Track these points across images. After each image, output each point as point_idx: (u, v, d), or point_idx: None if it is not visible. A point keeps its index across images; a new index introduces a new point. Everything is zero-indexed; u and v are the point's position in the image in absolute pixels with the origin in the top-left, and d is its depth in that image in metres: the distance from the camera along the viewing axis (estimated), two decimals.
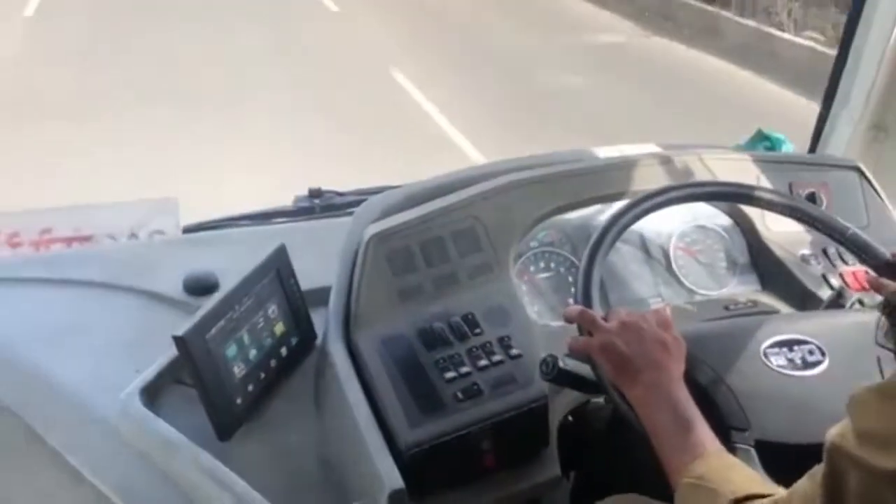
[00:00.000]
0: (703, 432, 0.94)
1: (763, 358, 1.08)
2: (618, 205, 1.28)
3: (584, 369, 1.10)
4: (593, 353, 1.05)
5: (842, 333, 1.14)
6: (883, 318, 1.14)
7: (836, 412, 1.01)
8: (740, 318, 1.34)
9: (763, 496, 0.85)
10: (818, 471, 0.75)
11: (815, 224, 1.28)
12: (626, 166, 1.43)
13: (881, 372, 1.07)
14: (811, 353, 1.09)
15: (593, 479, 1.48)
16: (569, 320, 1.10)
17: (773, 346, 1.09)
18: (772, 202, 1.29)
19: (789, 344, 1.09)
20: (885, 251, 1.21)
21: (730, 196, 1.34)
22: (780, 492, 0.84)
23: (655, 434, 0.96)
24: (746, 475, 0.90)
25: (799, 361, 1.08)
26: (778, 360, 1.08)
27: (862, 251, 1.24)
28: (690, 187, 1.33)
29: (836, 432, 0.74)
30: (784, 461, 0.99)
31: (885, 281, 1.17)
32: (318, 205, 1.78)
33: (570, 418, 1.47)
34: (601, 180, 1.41)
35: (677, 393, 0.98)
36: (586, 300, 1.14)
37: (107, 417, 1.18)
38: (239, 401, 1.18)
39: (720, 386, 1.04)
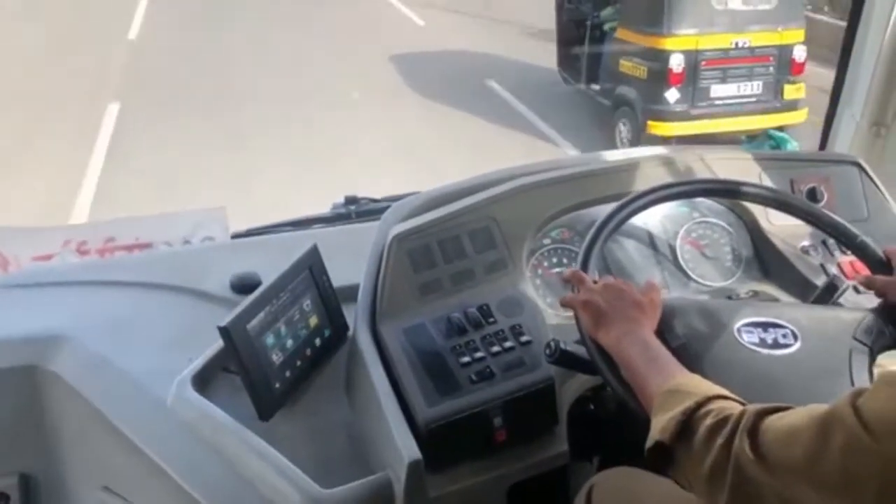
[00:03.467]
0: (674, 364, 1.03)
1: (735, 334, 1.14)
2: None
3: (582, 352, 1.21)
4: (576, 306, 1.16)
5: (820, 323, 1.18)
6: (871, 316, 1.18)
7: (793, 390, 1.08)
8: (726, 300, 1.43)
9: (736, 400, 0.92)
10: (816, 410, 0.81)
11: (791, 210, 1.35)
12: (630, 168, 1.53)
13: (849, 364, 1.12)
14: (784, 336, 1.15)
15: (615, 462, 1.58)
16: (564, 280, 1.23)
17: (748, 325, 1.16)
18: (758, 195, 1.37)
19: (765, 325, 1.16)
20: (875, 247, 1.28)
21: (722, 192, 1.43)
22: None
23: (629, 369, 1.05)
24: (719, 387, 0.96)
25: (770, 341, 1.14)
26: (750, 338, 1.14)
27: (841, 234, 1.32)
28: (692, 183, 1.41)
29: (851, 395, 0.78)
30: None
31: (876, 277, 1.23)
32: (354, 211, 1.93)
33: (591, 406, 1.58)
34: (607, 181, 1.52)
35: (648, 336, 1.08)
36: (585, 265, 1.24)
37: (162, 400, 1.32)
38: (278, 385, 1.32)
39: (687, 350, 1.11)
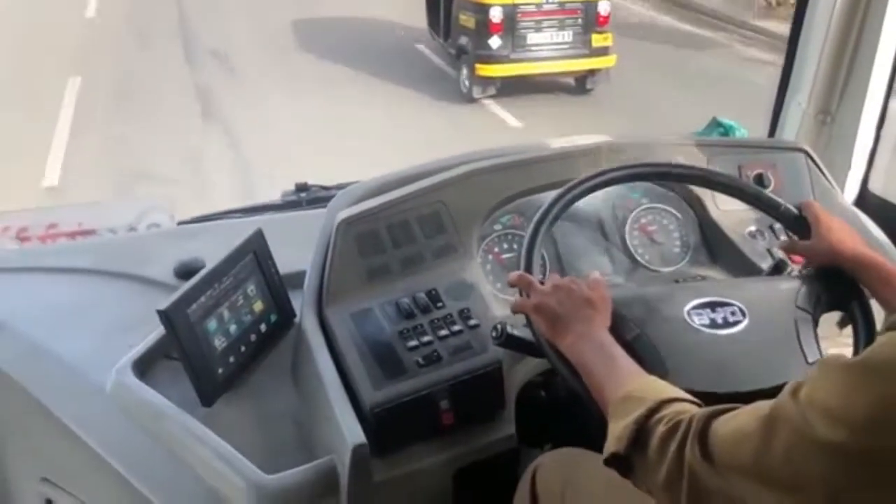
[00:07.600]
0: (629, 364, 1.03)
1: (686, 317, 1.15)
2: None
3: (529, 334, 1.20)
4: (529, 312, 1.15)
5: (764, 297, 1.21)
6: (806, 282, 1.23)
7: (749, 366, 1.12)
8: (672, 284, 1.43)
9: (688, 400, 0.93)
10: (761, 409, 0.80)
11: (730, 191, 1.35)
12: (579, 154, 1.52)
13: (797, 333, 1.15)
14: (733, 313, 1.16)
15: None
16: (511, 284, 1.21)
17: (697, 307, 1.17)
18: (694, 176, 1.37)
19: (713, 305, 1.17)
20: (792, 207, 1.29)
21: (666, 175, 1.42)
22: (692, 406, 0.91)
23: (586, 373, 1.05)
24: (672, 388, 0.97)
25: (720, 321, 1.15)
26: (701, 320, 1.15)
27: (760, 201, 1.32)
28: (627, 168, 1.38)
29: (792, 388, 0.78)
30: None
31: (797, 241, 1.27)
32: (304, 198, 1.90)
33: (542, 392, 1.57)
34: (556, 167, 1.51)
35: (602, 337, 1.07)
36: (528, 266, 1.24)
37: (102, 387, 1.29)
38: (220, 370, 1.30)
39: (642, 341, 1.12)
